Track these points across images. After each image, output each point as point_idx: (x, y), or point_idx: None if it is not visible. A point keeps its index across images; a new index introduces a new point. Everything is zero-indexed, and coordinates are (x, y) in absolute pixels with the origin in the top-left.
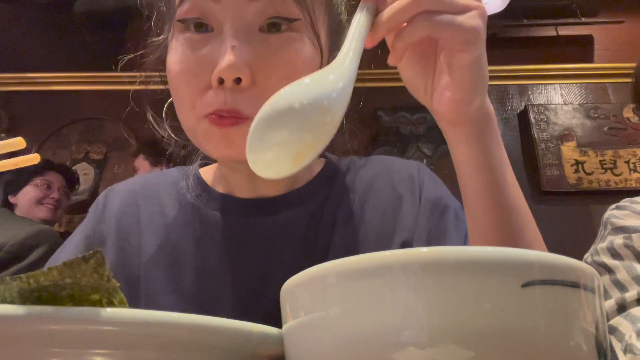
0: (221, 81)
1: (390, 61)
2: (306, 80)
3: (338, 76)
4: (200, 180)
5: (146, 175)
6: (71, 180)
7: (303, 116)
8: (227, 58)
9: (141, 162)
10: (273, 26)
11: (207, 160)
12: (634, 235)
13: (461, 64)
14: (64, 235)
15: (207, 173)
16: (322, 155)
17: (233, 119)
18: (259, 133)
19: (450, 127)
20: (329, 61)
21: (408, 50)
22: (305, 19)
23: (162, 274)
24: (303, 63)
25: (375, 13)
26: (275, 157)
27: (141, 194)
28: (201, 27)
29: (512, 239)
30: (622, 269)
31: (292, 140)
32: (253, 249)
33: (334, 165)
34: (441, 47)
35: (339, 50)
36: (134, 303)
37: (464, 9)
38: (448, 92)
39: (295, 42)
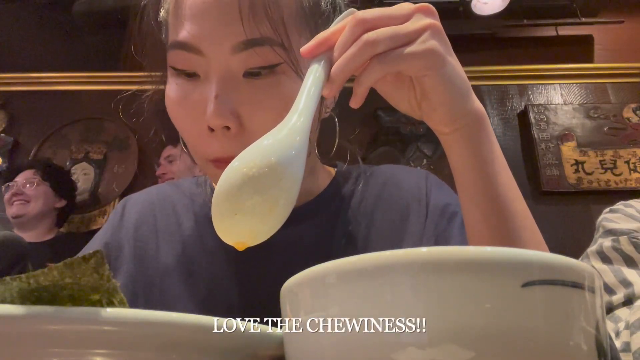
0: (212, 129)
1: (352, 104)
2: (257, 144)
3: (289, 134)
4: (213, 191)
5: (162, 186)
6: (38, 168)
7: (257, 180)
8: (211, 108)
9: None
10: (256, 72)
11: None
12: (621, 238)
13: (431, 86)
14: (66, 236)
15: None
16: (332, 165)
17: None
18: (218, 207)
19: (443, 135)
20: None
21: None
22: (287, 60)
23: (177, 283)
24: (289, 102)
25: (331, 63)
26: (240, 225)
27: (158, 204)
28: (190, 73)
29: (508, 244)
30: (610, 273)
31: (252, 206)
32: (264, 262)
33: (344, 175)
34: (408, 74)
35: None
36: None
37: (416, 35)
38: (430, 109)
39: (279, 84)
